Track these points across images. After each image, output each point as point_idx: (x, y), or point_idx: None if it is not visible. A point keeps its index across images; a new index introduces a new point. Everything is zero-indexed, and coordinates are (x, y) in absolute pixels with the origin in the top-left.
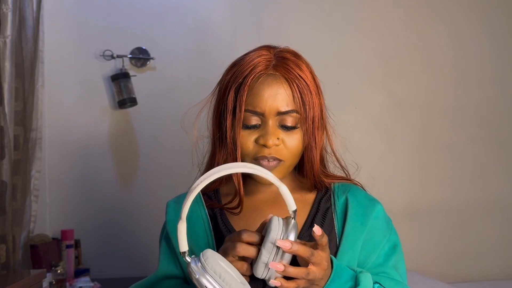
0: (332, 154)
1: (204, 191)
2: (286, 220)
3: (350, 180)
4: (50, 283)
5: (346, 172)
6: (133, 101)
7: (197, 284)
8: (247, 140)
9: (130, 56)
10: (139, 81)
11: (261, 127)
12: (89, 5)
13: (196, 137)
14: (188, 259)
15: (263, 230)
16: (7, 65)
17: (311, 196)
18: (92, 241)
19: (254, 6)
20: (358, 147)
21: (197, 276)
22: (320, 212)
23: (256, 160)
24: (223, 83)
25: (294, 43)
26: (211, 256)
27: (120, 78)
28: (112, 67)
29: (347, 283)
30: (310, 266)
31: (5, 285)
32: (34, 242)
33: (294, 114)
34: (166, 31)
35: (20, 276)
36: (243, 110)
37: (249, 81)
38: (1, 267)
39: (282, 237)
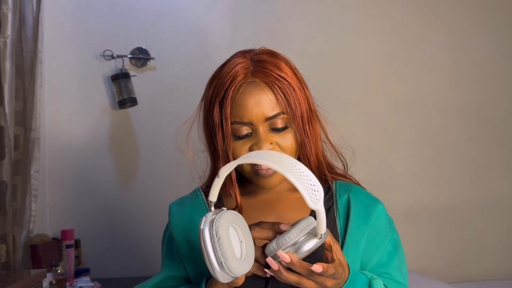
0: (327, 142)
1: (206, 194)
2: (313, 233)
3: (351, 180)
4: (50, 283)
5: (342, 159)
6: (133, 101)
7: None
8: (241, 150)
9: (130, 56)
10: (139, 81)
11: (252, 135)
12: (89, 5)
13: (191, 154)
14: (212, 208)
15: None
16: (8, 65)
17: None
18: (92, 241)
19: (254, 6)
20: (358, 147)
21: (201, 227)
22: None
23: (255, 166)
24: (207, 98)
25: (294, 43)
26: (226, 218)
27: (120, 78)
28: (112, 67)
29: None
30: (303, 279)
31: (5, 285)
32: (34, 242)
33: (282, 115)
34: (166, 31)
35: (20, 276)
36: (229, 123)
37: (231, 93)
38: (1, 267)
39: (295, 244)
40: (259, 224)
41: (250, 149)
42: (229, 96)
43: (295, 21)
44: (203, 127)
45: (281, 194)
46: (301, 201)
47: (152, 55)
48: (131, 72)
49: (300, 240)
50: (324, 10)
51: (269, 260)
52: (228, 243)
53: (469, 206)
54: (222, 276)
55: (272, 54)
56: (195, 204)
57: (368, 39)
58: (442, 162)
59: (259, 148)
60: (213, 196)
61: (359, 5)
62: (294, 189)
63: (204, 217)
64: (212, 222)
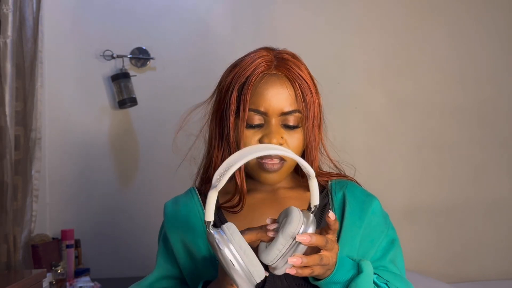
0: (325, 154)
1: (201, 192)
2: (306, 213)
3: (345, 177)
4: (50, 283)
5: (342, 171)
6: (133, 101)
7: (219, 255)
8: (251, 139)
9: (130, 56)
10: (139, 81)
11: (264, 126)
12: (89, 5)
13: (180, 127)
14: (211, 230)
15: (279, 218)
16: (8, 65)
17: (309, 194)
18: (92, 241)
19: (254, 6)
20: (358, 147)
21: (221, 248)
22: (318, 209)
23: (261, 160)
24: (225, 84)
25: (294, 43)
26: (236, 231)
27: (120, 78)
28: (112, 67)
29: (349, 272)
30: (323, 252)
31: (6, 284)
32: (35, 242)
33: (297, 113)
34: (166, 31)
35: (21, 276)
36: (247, 109)
37: (253, 80)
38: (2, 266)
39: (302, 230)
40: (246, 230)
41: (260, 141)
42: (251, 83)
43: (295, 21)
44: (214, 112)
45: (279, 192)
46: (299, 198)
47: (152, 55)
48: (131, 72)
49: (304, 226)
50: (324, 10)
51: (291, 259)
52: (251, 252)
53: (469, 206)
54: (250, 285)
55: (294, 56)
56: (190, 204)
57: (368, 39)
58: (442, 162)
59: (269, 140)
60: (210, 215)
61: (360, 5)
62: (292, 187)
63: (216, 239)
64: (229, 239)
